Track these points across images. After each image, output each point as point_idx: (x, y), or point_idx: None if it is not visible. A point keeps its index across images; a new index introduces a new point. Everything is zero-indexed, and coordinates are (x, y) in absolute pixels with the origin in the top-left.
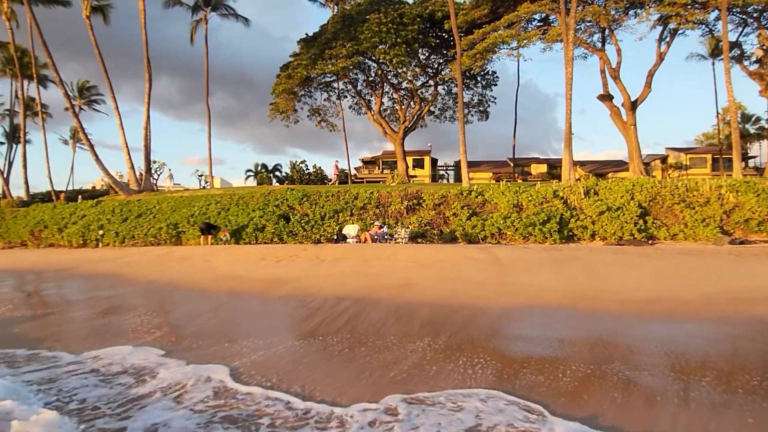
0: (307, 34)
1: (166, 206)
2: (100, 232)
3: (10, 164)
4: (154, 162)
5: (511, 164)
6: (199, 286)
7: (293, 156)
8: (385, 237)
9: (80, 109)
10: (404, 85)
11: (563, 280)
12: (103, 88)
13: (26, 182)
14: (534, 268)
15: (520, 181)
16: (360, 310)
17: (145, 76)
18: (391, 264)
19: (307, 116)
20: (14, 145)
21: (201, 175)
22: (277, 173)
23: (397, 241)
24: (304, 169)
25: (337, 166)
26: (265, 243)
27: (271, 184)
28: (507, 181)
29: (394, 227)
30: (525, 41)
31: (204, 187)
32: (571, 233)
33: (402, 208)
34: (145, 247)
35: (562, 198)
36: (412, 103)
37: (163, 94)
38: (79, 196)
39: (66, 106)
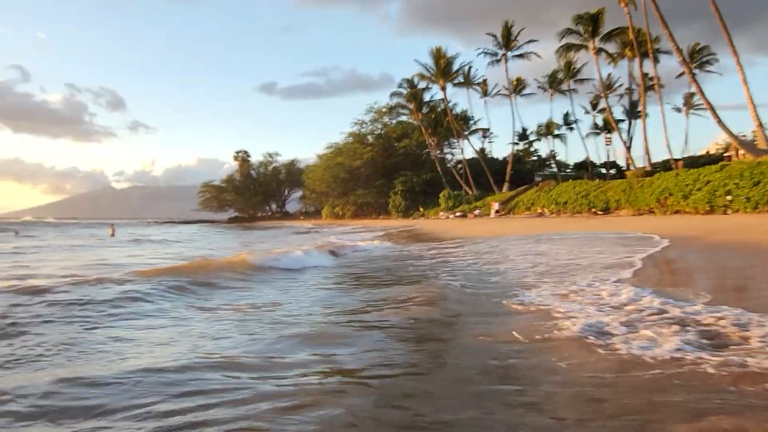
0: None
1: None
2: (728, 197)
3: (630, 138)
4: None
5: None
6: None
7: None
8: None
9: (692, 73)
10: None
11: None
12: (716, 47)
13: (647, 152)
14: None
15: None
16: None
17: None
18: None
19: None
20: (632, 121)
21: None
22: None
23: None
24: None
25: None
26: None
27: None
28: None
29: None
30: None
31: None
32: None
33: None
34: None
35: None
36: None
37: None
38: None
39: (682, 72)
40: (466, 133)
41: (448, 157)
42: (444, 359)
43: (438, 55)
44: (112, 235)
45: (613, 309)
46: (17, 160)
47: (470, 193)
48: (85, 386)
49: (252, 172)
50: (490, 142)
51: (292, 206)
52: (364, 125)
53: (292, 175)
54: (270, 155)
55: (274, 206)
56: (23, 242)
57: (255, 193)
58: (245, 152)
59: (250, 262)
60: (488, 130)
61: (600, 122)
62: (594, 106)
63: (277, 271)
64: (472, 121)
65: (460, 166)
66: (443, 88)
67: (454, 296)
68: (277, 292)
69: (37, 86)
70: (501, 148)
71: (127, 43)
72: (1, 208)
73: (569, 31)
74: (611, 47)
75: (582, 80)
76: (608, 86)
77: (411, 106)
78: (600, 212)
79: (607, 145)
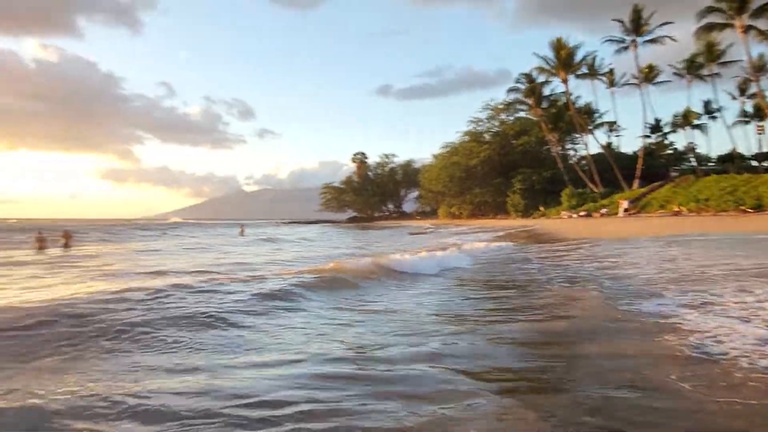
0: None
1: None
2: None
3: None
4: None
5: None
6: None
7: None
8: None
9: None
10: None
11: None
12: None
13: None
14: None
15: None
16: None
17: None
18: None
19: None
20: None
21: None
22: None
23: None
24: None
25: None
26: None
27: None
28: None
29: None
30: None
31: None
32: None
33: None
34: None
35: None
36: None
37: None
38: None
39: None
40: (590, 127)
41: (571, 153)
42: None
43: (559, 46)
44: (242, 234)
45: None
46: (165, 168)
47: (596, 190)
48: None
49: (369, 173)
50: (617, 135)
51: (408, 206)
52: (480, 123)
53: (408, 175)
54: (386, 156)
55: (391, 206)
56: (185, 240)
57: (373, 194)
58: (362, 154)
59: (390, 265)
60: (615, 123)
61: (750, 109)
62: (742, 91)
63: (418, 275)
64: (596, 114)
65: (584, 162)
66: (564, 81)
67: (593, 307)
68: (425, 296)
69: (180, 101)
70: (629, 142)
71: (255, 57)
72: (152, 210)
73: (711, 10)
74: (762, 23)
75: (727, 63)
76: (759, 68)
77: (529, 102)
78: (750, 210)
79: (759, 134)
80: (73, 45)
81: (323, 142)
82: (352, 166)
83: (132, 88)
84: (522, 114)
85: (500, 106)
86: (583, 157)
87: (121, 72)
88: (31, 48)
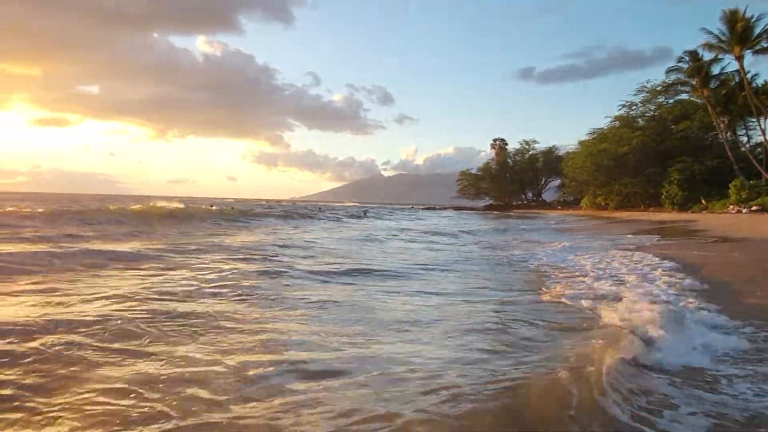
0: None
1: None
2: None
3: None
4: None
5: None
6: None
7: None
8: None
9: None
10: None
11: None
12: None
13: None
14: None
15: None
16: None
17: None
18: None
19: None
20: None
21: None
22: None
23: None
24: None
25: None
26: None
27: None
28: None
29: None
30: None
31: None
32: None
33: None
34: None
35: None
36: None
37: None
38: None
39: None
40: None
41: (743, 140)
42: None
43: (734, 18)
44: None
45: None
46: (310, 152)
47: None
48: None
49: (508, 160)
50: None
51: (548, 195)
52: (633, 107)
53: (549, 163)
54: (527, 143)
55: (530, 195)
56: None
57: (511, 181)
58: (502, 140)
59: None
60: None
61: None
62: None
63: None
64: None
65: (759, 150)
66: (739, 58)
67: None
68: None
69: (324, 89)
70: None
71: (394, 44)
72: (298, 192)
73: None
74: None
75: None
76: None
77: (693, 82)
78: None
79: None
80: (234, 40)
81: (459, 128)
82: (489, 152)
83: (283, 78)
84: (683, 96)
85: (658, 88)
86: (759, 144)
87: (274, 63)
88: (199, 44)
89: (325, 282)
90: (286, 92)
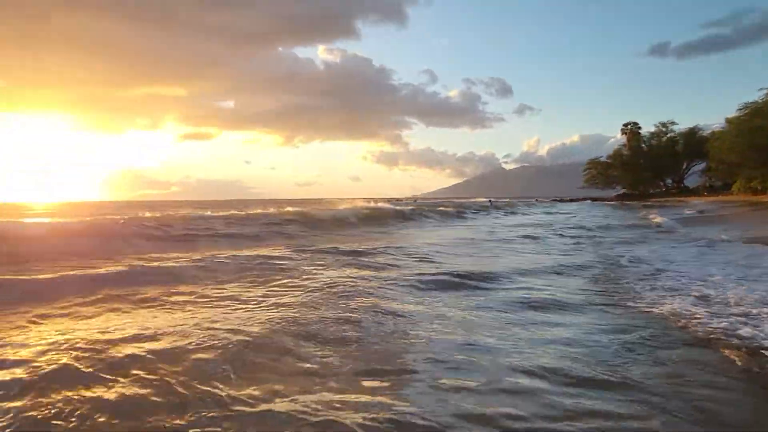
0: None
1: None
2: None
3: None
4: None
5: None
6: None
7: None
8: None
9: None
10: None
11: None
12: None
13: None
14: None
15: None
16: None
17: None
18: None
19: None
20: None
21: None
22: None
23: None
24: None
25: None
26: None
27: None
28: None
29: None
30: None
31: None
32: None
33: None
34: None
35: None
36: None
37: None
38: None
39: None
40: None
41: None
42: None
43: None
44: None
45: None
46: (428, 149)
47: None
48: None
49: (642, 145)
50: None
51: (690, 180)
52: None
53: (691, 145)
54: (663, 125)
55: (669, 181)
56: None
57: (645, 168)
58: (634, 124)
59: None
60: None
61: None
62: None
63: None
64: None
65: None
66: None
67: None
68: None
69: (441, 85)
70: None
71: (510, 32)
72: (417, 189)
73: None
74: None
75: None
76: None
77: None
78: None
79: None
80: (352, 45)
81: (585, 115)
82: (619, 138)
83: (399, 78)
84: None
85: None
86: None
87: (391, 64)
88: (320, 53)
89: None
90: (402, 92)
